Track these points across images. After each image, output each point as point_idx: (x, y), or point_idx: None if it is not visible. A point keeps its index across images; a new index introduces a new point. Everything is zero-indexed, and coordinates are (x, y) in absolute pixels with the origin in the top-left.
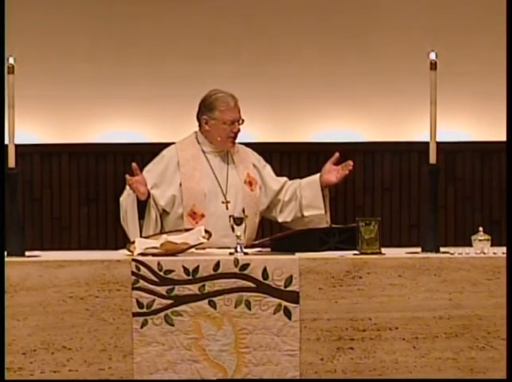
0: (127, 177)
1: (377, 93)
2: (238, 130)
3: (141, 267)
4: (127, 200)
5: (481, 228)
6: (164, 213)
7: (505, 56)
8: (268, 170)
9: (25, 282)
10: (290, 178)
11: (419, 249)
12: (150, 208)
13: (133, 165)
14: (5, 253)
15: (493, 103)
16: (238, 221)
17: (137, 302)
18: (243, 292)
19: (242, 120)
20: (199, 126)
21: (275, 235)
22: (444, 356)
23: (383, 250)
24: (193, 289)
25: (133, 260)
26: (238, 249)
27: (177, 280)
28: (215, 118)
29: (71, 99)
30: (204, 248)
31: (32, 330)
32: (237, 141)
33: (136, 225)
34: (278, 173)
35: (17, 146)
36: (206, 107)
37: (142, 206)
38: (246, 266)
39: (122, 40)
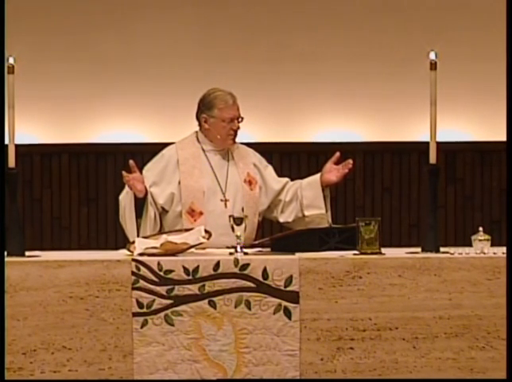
0: (124, 173)
1: (377, 93)
2: (238, 128)
3: (141, 267)
4: (125, 198)
5: (481, 228)
6: (163, 212)
7: (505, 56)
8: (269, 171)
9: (25, 282)
10: (290, 179)
11: (419, 249)
12: (148, 206)
13: (131, 162)
14: (5, 253)
15: (493, 102)
16: (237, 221)
17: (137, 302)
18: (243, 292)
19: (242, 118)
20: (199, 125)
21: (275, 235)
22: (444, 356)
23: (383, 250)
24: (193, 289)
25: (133, 260)
26: (238, 249)
27: (177, 280)
28: (215, 117)
29: (71, 99)
30: (204, 248)
31: (32, 330)
32: (237, 140)
33: (133, 223)
34: (278, 174)
35: (17, 146)
36: (205, 106)
37: (142, 205)
38: (246, 266)
39: (121, 40)
